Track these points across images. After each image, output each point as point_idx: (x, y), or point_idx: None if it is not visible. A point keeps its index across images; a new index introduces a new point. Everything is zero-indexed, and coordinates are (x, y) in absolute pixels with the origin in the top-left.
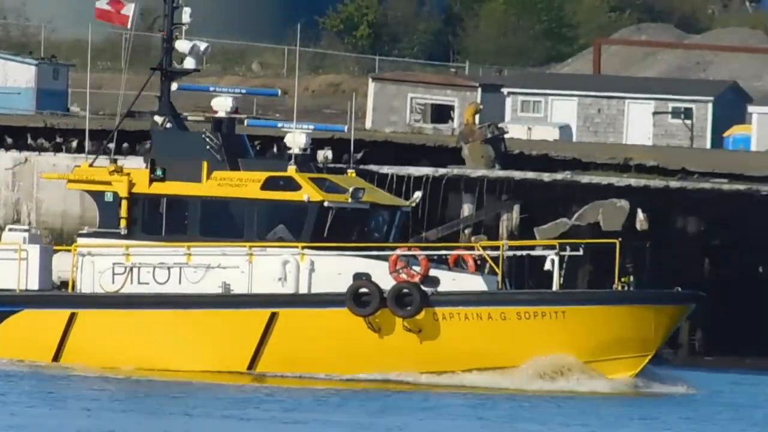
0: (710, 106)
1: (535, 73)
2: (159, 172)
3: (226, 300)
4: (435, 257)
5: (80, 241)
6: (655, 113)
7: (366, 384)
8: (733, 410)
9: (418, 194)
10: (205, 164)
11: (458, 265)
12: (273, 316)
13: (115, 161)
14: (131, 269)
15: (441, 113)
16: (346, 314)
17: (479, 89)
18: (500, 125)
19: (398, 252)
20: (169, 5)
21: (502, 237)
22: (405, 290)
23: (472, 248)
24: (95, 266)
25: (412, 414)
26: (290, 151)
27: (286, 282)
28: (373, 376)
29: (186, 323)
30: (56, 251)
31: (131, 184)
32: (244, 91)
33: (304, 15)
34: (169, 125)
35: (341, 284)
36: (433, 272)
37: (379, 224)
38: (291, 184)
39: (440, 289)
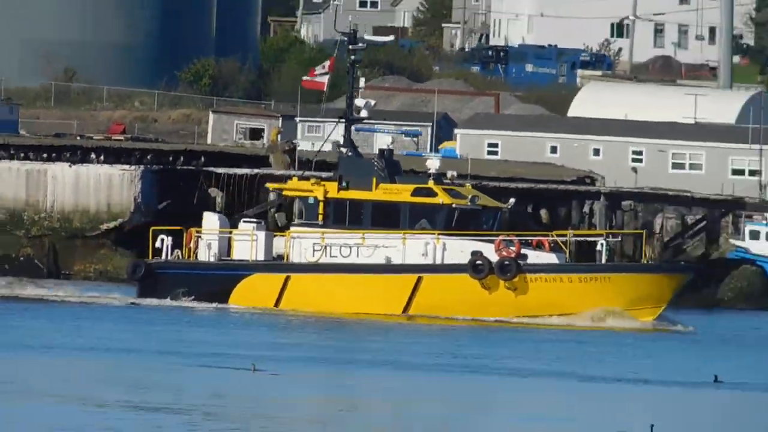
0: (430, 129)
1: (316, 108)
2: (344, 184)
3: (388, 267)
4: (524, 241)
5: (292, 229)
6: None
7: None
8: None
9: (512, 200)
10: (374, 179)
11: (539, 247)
12: (419, 279)
13: (306, 178)
14: (325, 247)
15: (255, 134)
16: (467, 278)
17: (280, 118)
18: (294, 141)
19: (500, 238)
20: (351, 76)
21: (294, 216)
22: (506, 262)
23: (547, 235)
24: (302, 245)
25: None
26: (429, 171)
27: (427, 256)
28: (490, 319)
29: (359, 283)
30: (275, 235)
31: (326, 192)
32: (399, 131)
33: (169, 70)
34: (350, 154)
35: (464, 258)
36: (523, 251)
37: (488, 219)
38: (430, 193)
39: (529, 261)
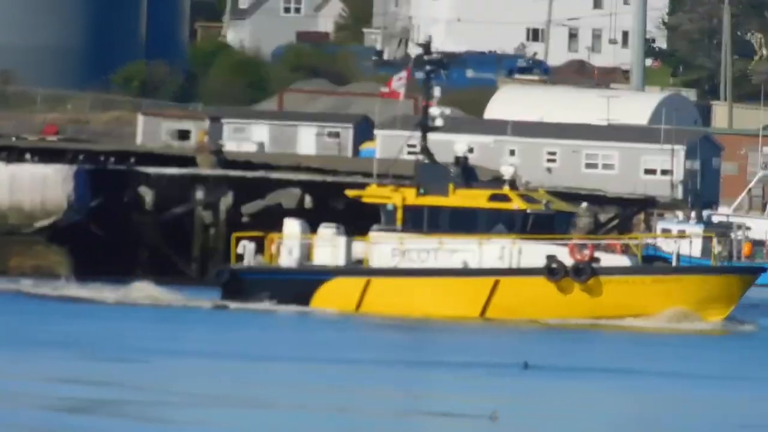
0: (351, 130)
1: (242, 109)
2: (422, 191)
3: (466, 271)
4: (598, 244)
5: (371, 234)
6: (317, 134)
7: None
8: None
9: (584, 204)
10: (451, 185)
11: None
12: (496, 282)
13: (389, 184)
14: (404, 252)
15: (183, 135)
16: (543, 281)
17: (207, 120)
18: (220, 143)
19: (574, 241)
20: (427, 85)
21: (221, 213)
22: (581, 265)
23: (620, 239)
24: (381, 250)
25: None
26: (504, 178)
27: (503, 259)
28: (557, 320)
29: (438, 287)
30: (354, 240)
31: (404, 198)
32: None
33: (100, 74)
34: (426, 162)
35: (539, 262)
36: (596, 254)
37: (561, 223)
38: (506, 198)
39: (602, 264)
